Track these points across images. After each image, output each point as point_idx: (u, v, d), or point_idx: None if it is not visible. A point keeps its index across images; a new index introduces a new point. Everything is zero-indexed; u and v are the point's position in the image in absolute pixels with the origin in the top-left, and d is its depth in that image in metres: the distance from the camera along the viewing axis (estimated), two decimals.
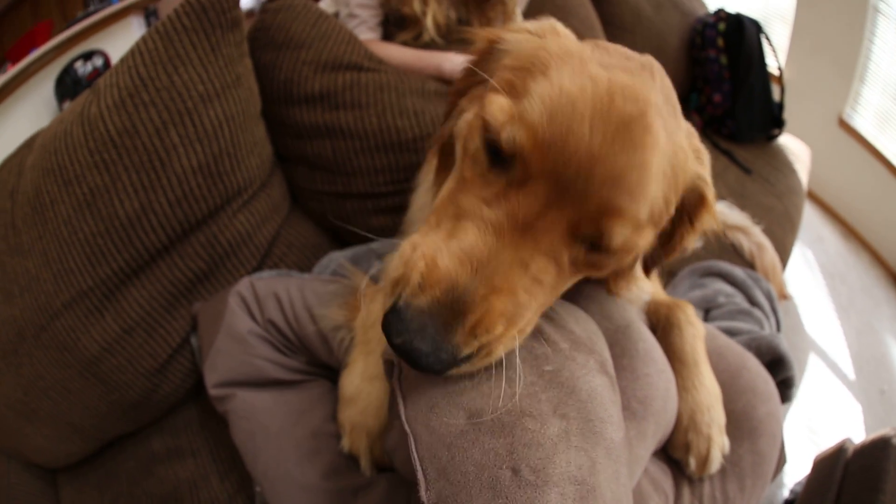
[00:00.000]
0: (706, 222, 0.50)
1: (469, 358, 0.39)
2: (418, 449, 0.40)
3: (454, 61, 1.11)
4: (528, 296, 0.40)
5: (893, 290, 2.16)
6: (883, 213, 2.30)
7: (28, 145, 0.93)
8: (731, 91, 1.60)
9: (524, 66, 0.42)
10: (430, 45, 1.17)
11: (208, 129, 0.84)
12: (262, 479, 0.69)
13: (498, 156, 0.41)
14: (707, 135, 1.64)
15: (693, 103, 1.73)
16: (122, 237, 0.80)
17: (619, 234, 0.40)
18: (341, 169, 1.01)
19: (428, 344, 0.37)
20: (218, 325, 0.78)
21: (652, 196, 0.40)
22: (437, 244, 0.39)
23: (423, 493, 0.37)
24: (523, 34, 0.48)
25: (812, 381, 1.70)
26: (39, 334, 0.82)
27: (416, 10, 1.12)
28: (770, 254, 1.17)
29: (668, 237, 0.50)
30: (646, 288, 0.71)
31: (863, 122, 2.40)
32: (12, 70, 2.12)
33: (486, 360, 0.40)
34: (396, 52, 1.13)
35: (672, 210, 0.45)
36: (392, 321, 0.38)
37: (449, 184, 0.46)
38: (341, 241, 1.11)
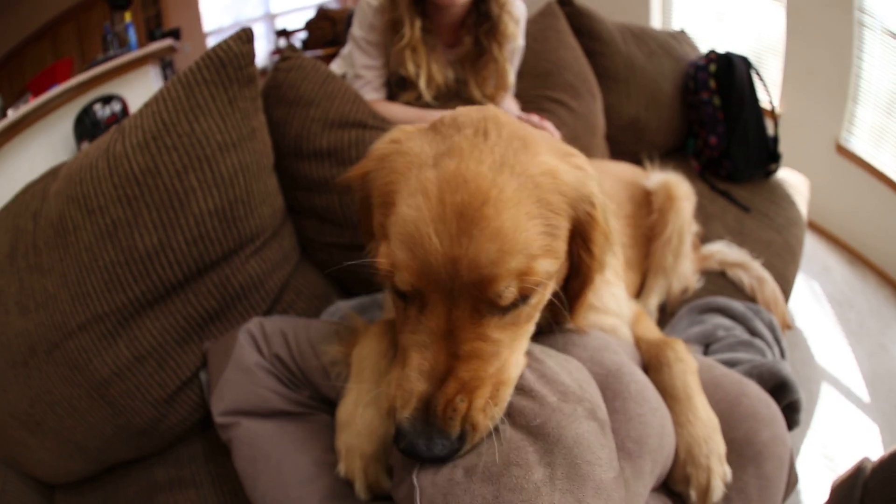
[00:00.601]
0: (599, 241, 0.57)
1: (463, 439, 0.49)
2: (421, 500, 0.48)
3: None
4: (468, 372, 0.50)
5: None
6: (887, 232, 2.29)
7: (53, 173, 0.99)
8: (725, 132, 1.63)
9: (385, 200, 0.53)
10: (432, 105, 1.23)
11: (225, 176, 0.90)
12: (260, 502, 0.70)
13: (403, 293, 0.52)
14: (705, 177, 1.66)
15: (690, 149, 1.76)
16: (140, 269, 0.85)
17: (505, 289, 0.48)
18: (348, 221, 1.07)
19: (422, 438, 0.48)
20: (227, 358, 0.82)
21: (521, 244, 0.48)
22: (401, 376, 0.52)
23: None
24: (379, 151, 0.58)
25: (826, 409, 1.68)
26: (52, 351, 0.85)
27: (410, 72, 1.19)
28: (770, 286, 1.18)
29: (579, 255, 0.58)
30: (622, 309, 0.77)
31: (860, 143, 2.41)
32: (34, 102, 2.27)
33: (477, 436, 0.50)
34: (399, 112, 1.20)
35: (565, 227, 0.53)
36: (395, 436, 0.50)
37: (397, 324, 0.58)
38: (348, 291, 1.15)
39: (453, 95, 1.28)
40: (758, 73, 1.68)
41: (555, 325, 0.67)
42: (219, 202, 0.89)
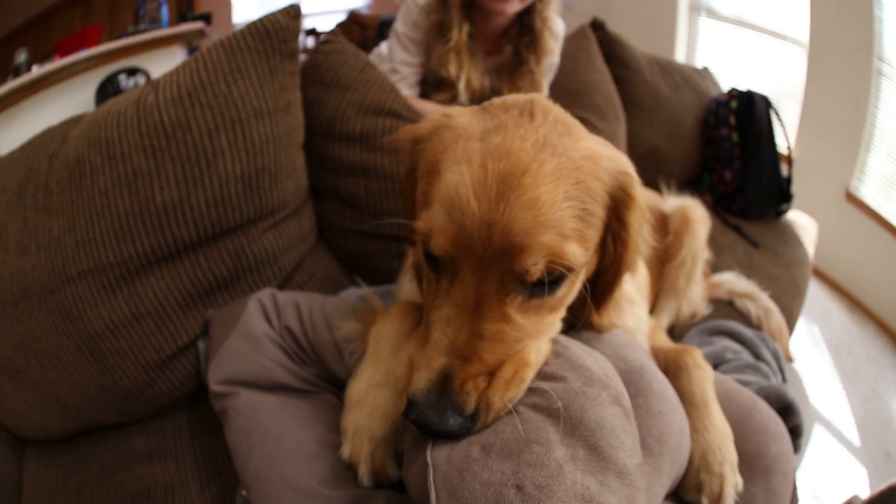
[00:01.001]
0: (635, 220, 0.56)
1: (476, 417, 0.48)
2: (434, 476, 0.46)
3: None
4: (492, 355, 0.49)
5: None
6: (889, 280, 2.32)
7: (75, 120, 0.97)
8: (741, 168, 1.65)
9: (430, 170, 0.54)
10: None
11: (256, 142, 0.89)
12: (251, 479, 0.65)
13: (436, 261, 0.52)
14: (717, 212, 1.68)
15: (705, 183, 1.78)
16: (154, 223, 0.82)
17: (532, 264, 0.48)
18: (371, 209, 1.06)
19: (434, 410, 0.47)
20: (232, 326, 0.78)
21: (555, 220, 0.48)
22: (417, 353, 0.52)
23: None
24: (432, 121, 0.60)
25: (817, 450, 1.70)
26: (46, 296, 0.81)
27: (451, 73, 1.21)
28: (776, 317, 1.20)
29: (613, 245, 0.57)
30: (642, 328, 0.76)
31: (869, 191, 2.44)
32: (60, 61, 2.26)
33: (490, 416, 0.49)
34: (432, 109, 1.20)
35: (600, 216, 0.53)
36: (407, 408, 0.48)
37: (425, 301, 0.58)
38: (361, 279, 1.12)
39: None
40: (777, 113, 1.71)
41: (579, 325, 0.66)
42: (246, 168, 0.88)
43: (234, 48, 0.89)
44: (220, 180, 0.86)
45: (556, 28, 1.28)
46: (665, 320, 1.10)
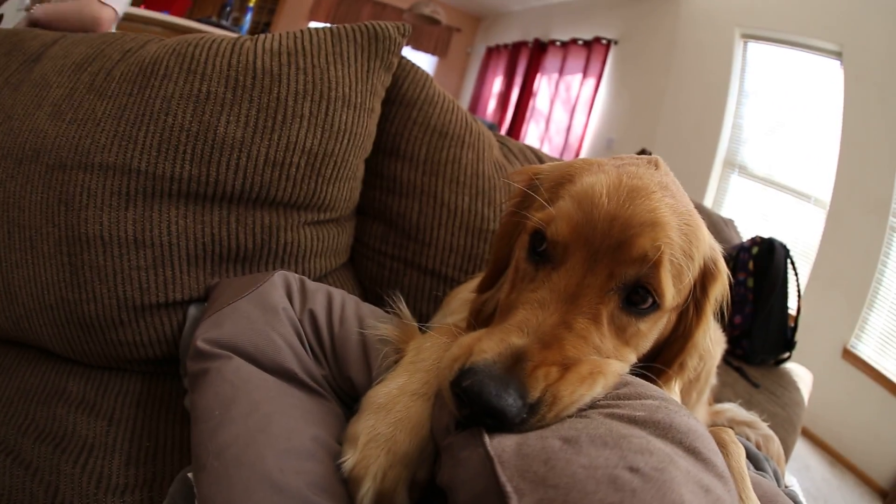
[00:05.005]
0: (715, 294, 0.58)
1: (536, 409, 0.43)
2: (504, 471, 0.40)
3: None
4: (575, 350, 0.47)
5: (878, 502, 2.36)
6: (876, 432, 2.32)
7: (159, 38, 0.93)
8: (752, 313, 1.69)
9: (557, 182, 0.57)
10: None
11: (335, 126, 0.86)
12: (212, 456, 0.51)
13: (541, 254, 0.53)
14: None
15: None
16: (205, 151, 0.77)
17: (645, 249, 0.49)
18: (419, 236, 1.01)
19: (496, 382, 0.42)
20: (245, 292, 0.69)
21: (668, 236, 0.50)
22: (487, 335, 0.48)
23: None
24: (555, 164, 0.63)
25: None
26: (55, 170, 0.74)
27: None
28: (776, 444, 1.18)
29: (692, 312, 0.58)
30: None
31: (866, 348, 2.48)
32: (140, 10, 2.30)
33: (552, 411, 0.44)
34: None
35: (693, 268, 0.54)
36: (461, 375, 0.43)
37: (503, 294, 0.57)
38: None
39: None
40: (793, 263, 1.77)
41: None
42: (316, 145, 0.84)
43: (340, 36, 0.90)
44: (289, 143, 0.82)
45: None
46: None
